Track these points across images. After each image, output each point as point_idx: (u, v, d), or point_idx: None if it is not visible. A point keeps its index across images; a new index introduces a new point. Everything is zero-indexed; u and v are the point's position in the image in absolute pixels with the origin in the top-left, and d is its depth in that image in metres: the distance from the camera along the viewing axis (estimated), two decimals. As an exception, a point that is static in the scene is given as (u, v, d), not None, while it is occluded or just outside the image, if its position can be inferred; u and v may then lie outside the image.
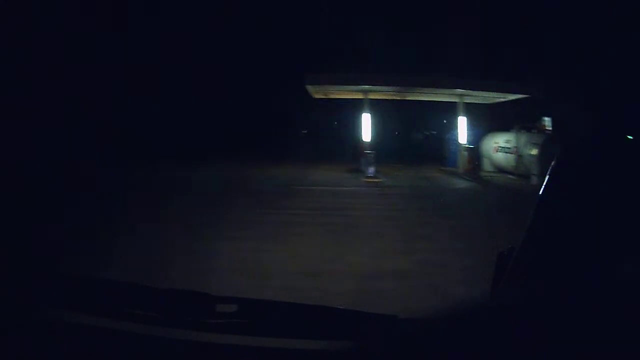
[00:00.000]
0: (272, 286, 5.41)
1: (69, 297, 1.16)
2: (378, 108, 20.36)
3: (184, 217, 9.13)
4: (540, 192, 1.51)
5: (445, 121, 26.81)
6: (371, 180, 16.36)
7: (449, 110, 24.28)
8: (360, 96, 19.05)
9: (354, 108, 22.27)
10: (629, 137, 1.66)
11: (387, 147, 21.51)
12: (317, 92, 19.99)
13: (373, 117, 18.89)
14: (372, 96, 19.01)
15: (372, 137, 18.58)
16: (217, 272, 5.79)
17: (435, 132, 31.90)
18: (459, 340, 0.93)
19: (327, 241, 7.75)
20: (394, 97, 21.06)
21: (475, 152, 19.39)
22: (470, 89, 18.99)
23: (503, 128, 19.98)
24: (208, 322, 1.09)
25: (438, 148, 23.83)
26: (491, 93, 19.90)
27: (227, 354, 1.02)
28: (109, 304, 1.15)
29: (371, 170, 16.93)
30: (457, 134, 20.19)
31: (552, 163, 1.56)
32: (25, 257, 4.97)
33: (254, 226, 8.59)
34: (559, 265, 1.29)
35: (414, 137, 34.51)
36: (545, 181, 1.52)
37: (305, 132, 37.55)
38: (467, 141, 19.63)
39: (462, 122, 20.08)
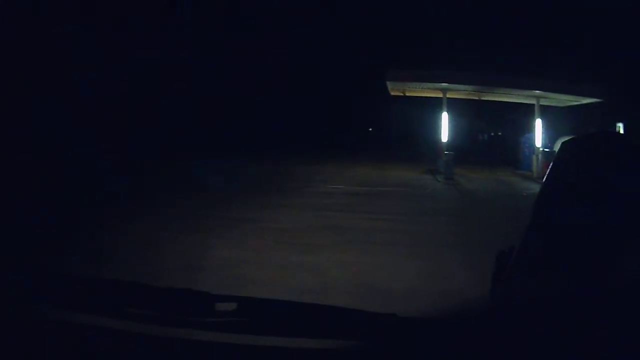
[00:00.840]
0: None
1: (69, 296, 1.16)
2: (452, 108, 20.10)
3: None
4: (539, 192, 1.50)
5: (512, 122, 26.34)
6: (451, 182, 16.05)
7: (518, 112, 23.86)
8: (438, 95, 18.81)
9: (427, 108, 22.07)
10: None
11: (457, 148, 21.22)
12: (395, 89, 19.85)
13: (450, 117, 18.63)
14: (450, 95, 18.73)
15: (449, 137, 18.30)
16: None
17: (500, 133, 31.49)
18: (458, 339, 0.93)
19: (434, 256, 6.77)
20: (471, 97, 20.79)
21: (551, 156, 18.87)
22: (549, 91, 18.54)
23: (574, 133, 19.42)
24: (208, 321, 1.08)
25: (506, 149, 23.38)
26: (567, 96, 19.44)
27: (226, 352, 1.02)
28: (109, 303, 1.14)
29: (450, 171, 16.62)
30: (532, 136, 19.70)
31: (551, 163, 1.54)
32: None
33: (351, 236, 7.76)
34: (558, 264, 1.26)
35: (481, 137, 34.04)
36: (544, 181, 1.51)
37: (371, 130, 37.44)
38: (542, 144, 19.15)
39: (538, 125, 19.54)
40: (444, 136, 18.19)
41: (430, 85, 18.22)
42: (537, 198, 1.54)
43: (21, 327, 1.07)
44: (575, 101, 20.23)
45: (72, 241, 6.50)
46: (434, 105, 20.10)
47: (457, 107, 22.19)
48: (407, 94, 21.10)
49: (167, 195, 10.71)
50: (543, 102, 19.90)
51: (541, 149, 18.83)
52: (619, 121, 20.24)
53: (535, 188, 13.50)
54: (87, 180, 11.88)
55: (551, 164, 1.58)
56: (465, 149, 23.63)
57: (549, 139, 19.65)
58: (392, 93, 20.58)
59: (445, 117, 18.40)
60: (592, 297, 0.92)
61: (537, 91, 18.65)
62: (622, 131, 18.94)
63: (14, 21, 15.93)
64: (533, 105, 19.89)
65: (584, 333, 0.86)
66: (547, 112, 20.89)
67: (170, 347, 1.02)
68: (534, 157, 19.09)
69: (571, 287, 1.01)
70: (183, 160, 17.65)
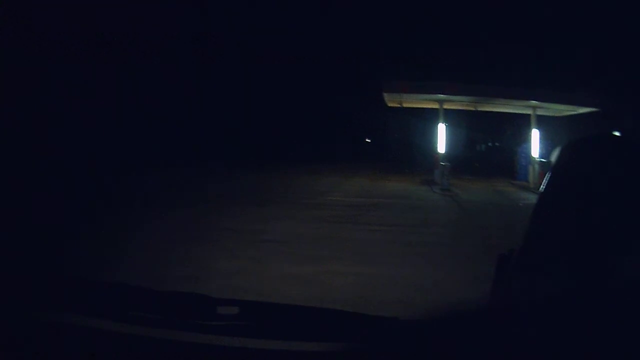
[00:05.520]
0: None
1: (69, 298, 1.16)
2: (449, 119, 20.17)
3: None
4: (540, 192, 1.43)
5: (508, 132, 26.42)
6: (448, 193, 16.09)
7: (513, 122, 23.94)
8: (435, 106, 18.88)
9: (424, 118, 22.15)
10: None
11: (454, 158, 21.24)
12: (392, 101, 19.90)
13: (446, 128, 18.70)
14: (446, 106, 18.80)
15: (446, 147, 18.36)
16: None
17: (498, 144, 31.54)
18: (460, 341, 0.93)
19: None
20: (468, 108, 20.84)
21: (547, 166, 18.81)
22: (545, 101, 18.63)
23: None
24: (209, 325, 1.08)
25: (503, 159, 23.41)
26: (563, 105, 19.49)
27: (228, 356, 1.02)
28: (110, 306, 1.14)
29: (447, 182, 16.66)
30: (528, 146, 19.73)
31: (552, 163, 1.48)
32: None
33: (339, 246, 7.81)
34: (559, 266, 1.23)
35: (478, 148, 34.05)
36: (545, 181, 1.44)
37: (369, 141, 37.50)
38: (539, 155, 19.19)
39: (535, 135, 19.61)
40: (441, 147, 18.23)
41: (426, 96, 18.28)
42: (538, 199, 1.56)
43: (21, 329, 1.07)
44: (572, 111, 20.27)
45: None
46: (431, 116, 20.18)
47: (454, 118, 22.28)
48: (404, 105, 21.18)
49: (163, 206, 10.71)
50: (539, 112, 19.97)
51: (538, 159, 18.88)
52: (616, 129, 20.27)
53: (532, 198, 13.64)
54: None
55: (552, 165, 1.61)
56: (462, 159, 23.66)
57: (544, 149, 19.72)
58: (389, 104, 20.63)
59: (441, 128, 18.47)
60: (593, 299, 0.93)
61: (533, 101, 18.74)
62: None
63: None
64: (529, 115, 19.99)
65: (584, 334, 0.87)
66: (543, 123, 20.98)
67: (172, 350, 1.02)
68: (531, 167, 19.14)
69: (571, 289, 1.02)
70: (179, 168, 17.67)
